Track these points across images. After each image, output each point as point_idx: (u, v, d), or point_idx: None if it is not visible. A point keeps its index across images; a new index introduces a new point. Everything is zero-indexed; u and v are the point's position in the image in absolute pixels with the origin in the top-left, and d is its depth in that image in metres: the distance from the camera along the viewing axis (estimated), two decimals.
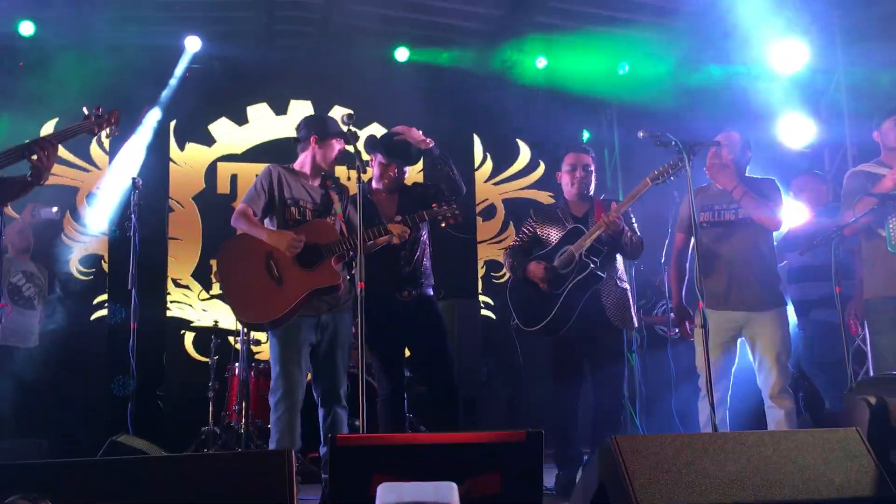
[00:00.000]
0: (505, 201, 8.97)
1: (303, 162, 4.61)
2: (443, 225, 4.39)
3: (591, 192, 5.09)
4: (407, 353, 4.98)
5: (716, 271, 4.74)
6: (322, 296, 4.32)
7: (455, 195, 4.62)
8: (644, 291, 7.30)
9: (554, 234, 4.96)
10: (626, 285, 5.04)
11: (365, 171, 3.96)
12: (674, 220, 5.24)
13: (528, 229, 5.15)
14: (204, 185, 8.25)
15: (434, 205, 4.42)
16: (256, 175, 4.46)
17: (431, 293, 4.92)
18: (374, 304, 4.38)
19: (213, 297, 7.39)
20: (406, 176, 4.94)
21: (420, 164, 6.98)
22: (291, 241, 4.23)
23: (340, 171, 4.67)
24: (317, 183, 4.57)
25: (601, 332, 4.91)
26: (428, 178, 6.39)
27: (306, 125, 4.63)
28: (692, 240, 4.43)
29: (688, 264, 4.93)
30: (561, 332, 4.86)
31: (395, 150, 4.75)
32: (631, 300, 5.06)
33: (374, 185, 4.94)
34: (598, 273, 4.76)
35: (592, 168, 5.06)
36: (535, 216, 5.14)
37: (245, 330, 5.97)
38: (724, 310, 4.80)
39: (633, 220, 4.99)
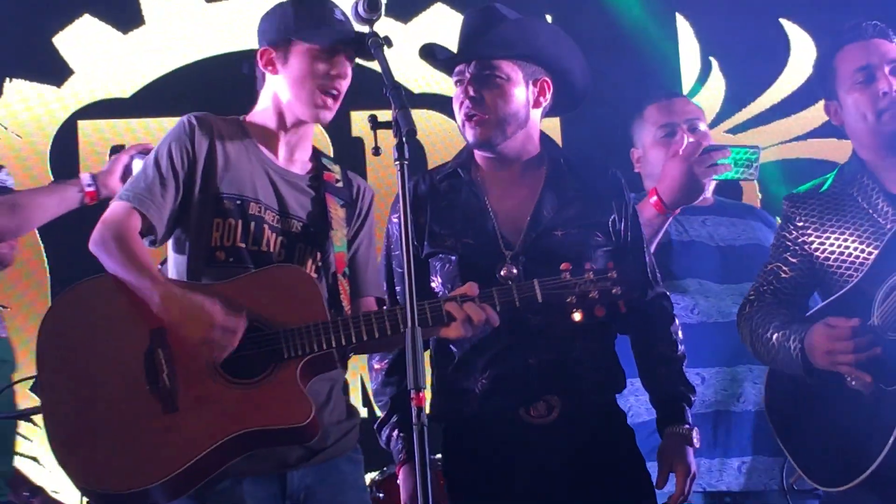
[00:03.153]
0: (764, 170, 5.25)
1: (266, 113, 3.03)
2: (576, 317, 2.83)
3: None
4: None
5: None
6: (273, 443, 2.85)
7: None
8: None
9: (856, 248, 3.18)
10: None
11: (412, 131, 2.54)
12: None
13: (788, 247, 3.25)
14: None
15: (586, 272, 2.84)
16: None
17: (616, 405, 3.27)
18: (469, 440, 3.10)
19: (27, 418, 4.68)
20: (507, 117, 3.13)
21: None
22: (213, 334, 2.73)
23: None
24: (300, 164, 3.05)
25: None
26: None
27: (268, 21, 3.03)
28: None
29: None
30: None
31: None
32: None
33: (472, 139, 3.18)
34: None
35: None
36: (802, 212, 3.25)
37: None
38: None
39: None
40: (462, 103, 3.08)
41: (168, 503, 2.84)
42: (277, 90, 2.96)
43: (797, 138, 6.08)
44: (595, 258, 3.08)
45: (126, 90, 5.76)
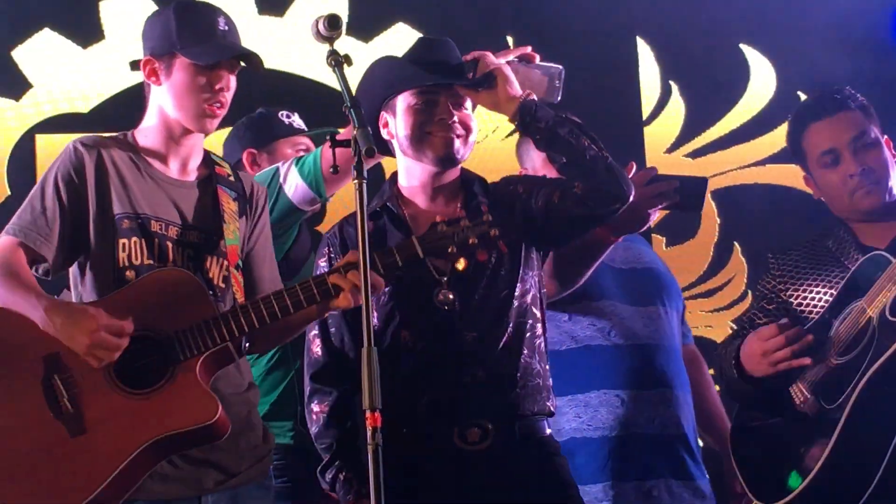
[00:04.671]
0: (722, 194, 6.08)
1: (154, 127, 2.95)
2: (460, 266, 2.81)
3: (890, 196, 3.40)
4: None
5: None
6: (186, 445, 2.77)
7: (604, 204, 3.07)
8: None
9: (824, 295, 3.28)
10: None
11: (370, 150, 2.58)
12: None
13: (767, 296, 3.35)
14: (7, 191, 5.57)
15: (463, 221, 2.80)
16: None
17: (548, 430, 3.15)
18: (400, 465, 2.87)
19: None
20: (471, 142, 3.17)
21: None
22: (98, 336, 2.65)
23: None
24: (193, 172, 2.98)
25: None
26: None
27: (151, 29, 2.98)
28: None
29: None
30: None
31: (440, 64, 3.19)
32: None
33: (402, 177, 3.21)
34: None
35: (875, 132, 3.32)
36: (778, 266, 3.38)
37: None
38: None
39: None
40: (440, 120, 3.07)
41: None
42: (162, 102, 2.91)
43: (756, 163, 6.03)
44: (524, 266, 3.09)
45: (85, 105, 5.63)
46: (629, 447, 3.43)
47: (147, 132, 2.94)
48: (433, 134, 3.07)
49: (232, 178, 3.02)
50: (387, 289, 2.99)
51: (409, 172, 3.16)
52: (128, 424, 2.72)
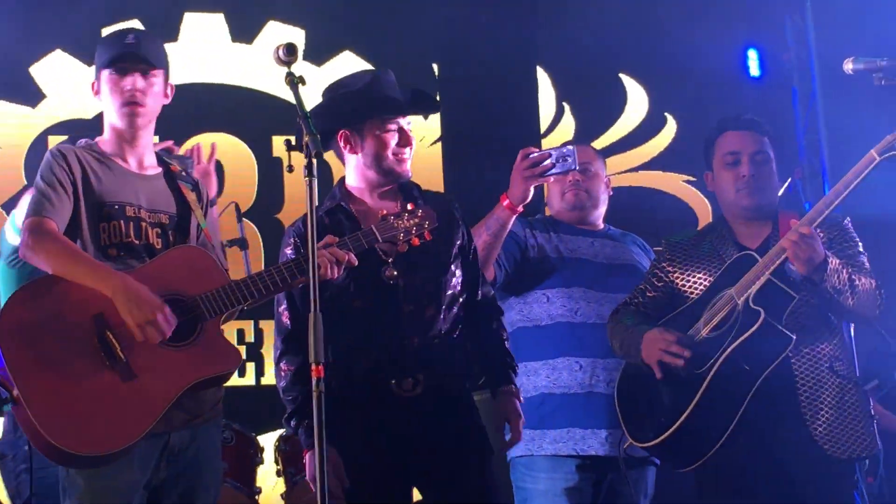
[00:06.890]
0: None
1: (109, 135, 3.12)
2: (403, 248, 3.11)
3: (774, 199, 3.65)
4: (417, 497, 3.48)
5: None
6: (210, 386, 3.02)
7: None
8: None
9: (705, 279, 3.53)
10: (847, 370, 3.43)
11: (318, 153, 2.72)
12: None
13: (657, 275, 3.64)
14: (24, 181, 5.93)
15: (407, 212, 3.14)
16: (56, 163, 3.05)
17: (466, 386, 3.44)
18: (348, 407, 3.17)
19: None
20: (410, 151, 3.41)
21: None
22: (155, 318, 2.84)
23: None
24: (151, 167, 3.14)
25: (803, 466, 3.33)
26: None
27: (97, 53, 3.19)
28: None
29: None
30: (704, 459, 3.32)
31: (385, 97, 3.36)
32: (857, 401, 3.41)
33: (351, 181, 3.41)
34: (780, 330, 3.28)
35: (771, 154, 3.61)
36: (670, 252, 3.65)
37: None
38: None
39: (856, 241, 3.54)
40: (403, 145, 3.31)
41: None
42: (106, 114, 3.10)
43: (630, 170, 6.64)
44: (453, 262, 3.36)
45: (88, 112, 5.99)
46: (588, 402, 3.75)
47: (105, 141, 3.12)
48: (394, 158, 3.30)
49: (184, 174, 3.21)
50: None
51: (363, 177, 3.35)
52: (170, 371, 2.91)
